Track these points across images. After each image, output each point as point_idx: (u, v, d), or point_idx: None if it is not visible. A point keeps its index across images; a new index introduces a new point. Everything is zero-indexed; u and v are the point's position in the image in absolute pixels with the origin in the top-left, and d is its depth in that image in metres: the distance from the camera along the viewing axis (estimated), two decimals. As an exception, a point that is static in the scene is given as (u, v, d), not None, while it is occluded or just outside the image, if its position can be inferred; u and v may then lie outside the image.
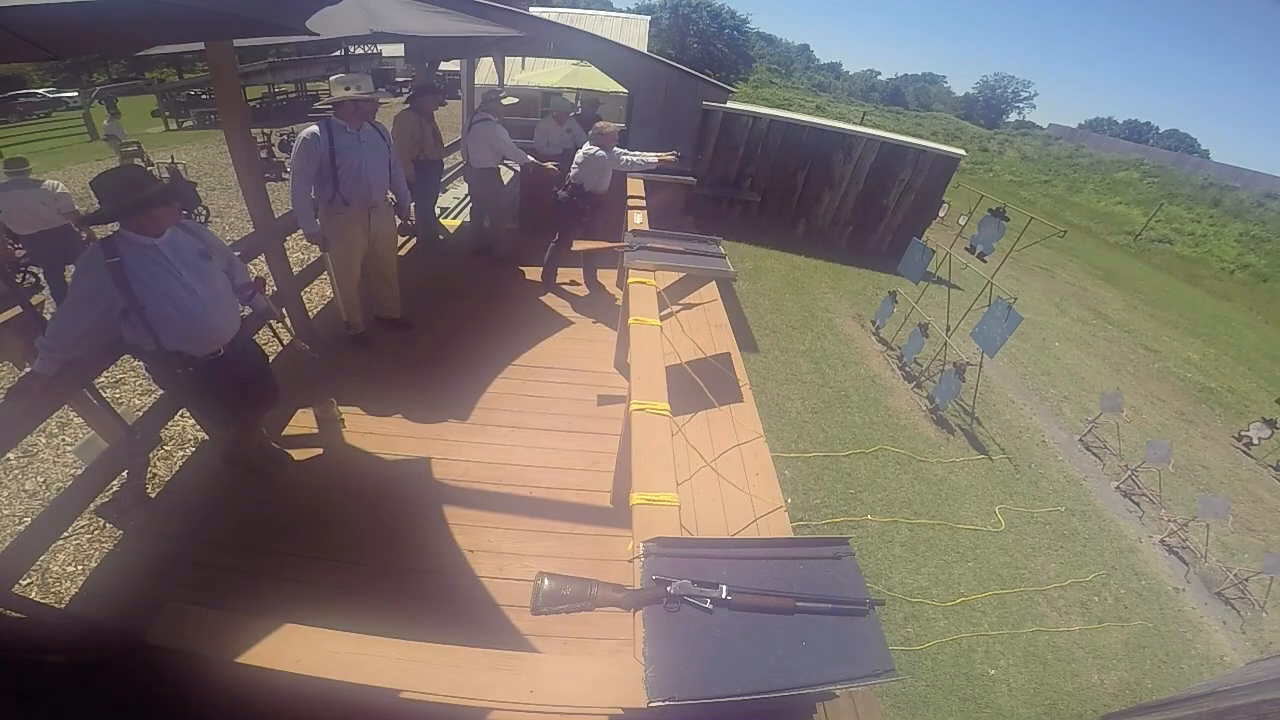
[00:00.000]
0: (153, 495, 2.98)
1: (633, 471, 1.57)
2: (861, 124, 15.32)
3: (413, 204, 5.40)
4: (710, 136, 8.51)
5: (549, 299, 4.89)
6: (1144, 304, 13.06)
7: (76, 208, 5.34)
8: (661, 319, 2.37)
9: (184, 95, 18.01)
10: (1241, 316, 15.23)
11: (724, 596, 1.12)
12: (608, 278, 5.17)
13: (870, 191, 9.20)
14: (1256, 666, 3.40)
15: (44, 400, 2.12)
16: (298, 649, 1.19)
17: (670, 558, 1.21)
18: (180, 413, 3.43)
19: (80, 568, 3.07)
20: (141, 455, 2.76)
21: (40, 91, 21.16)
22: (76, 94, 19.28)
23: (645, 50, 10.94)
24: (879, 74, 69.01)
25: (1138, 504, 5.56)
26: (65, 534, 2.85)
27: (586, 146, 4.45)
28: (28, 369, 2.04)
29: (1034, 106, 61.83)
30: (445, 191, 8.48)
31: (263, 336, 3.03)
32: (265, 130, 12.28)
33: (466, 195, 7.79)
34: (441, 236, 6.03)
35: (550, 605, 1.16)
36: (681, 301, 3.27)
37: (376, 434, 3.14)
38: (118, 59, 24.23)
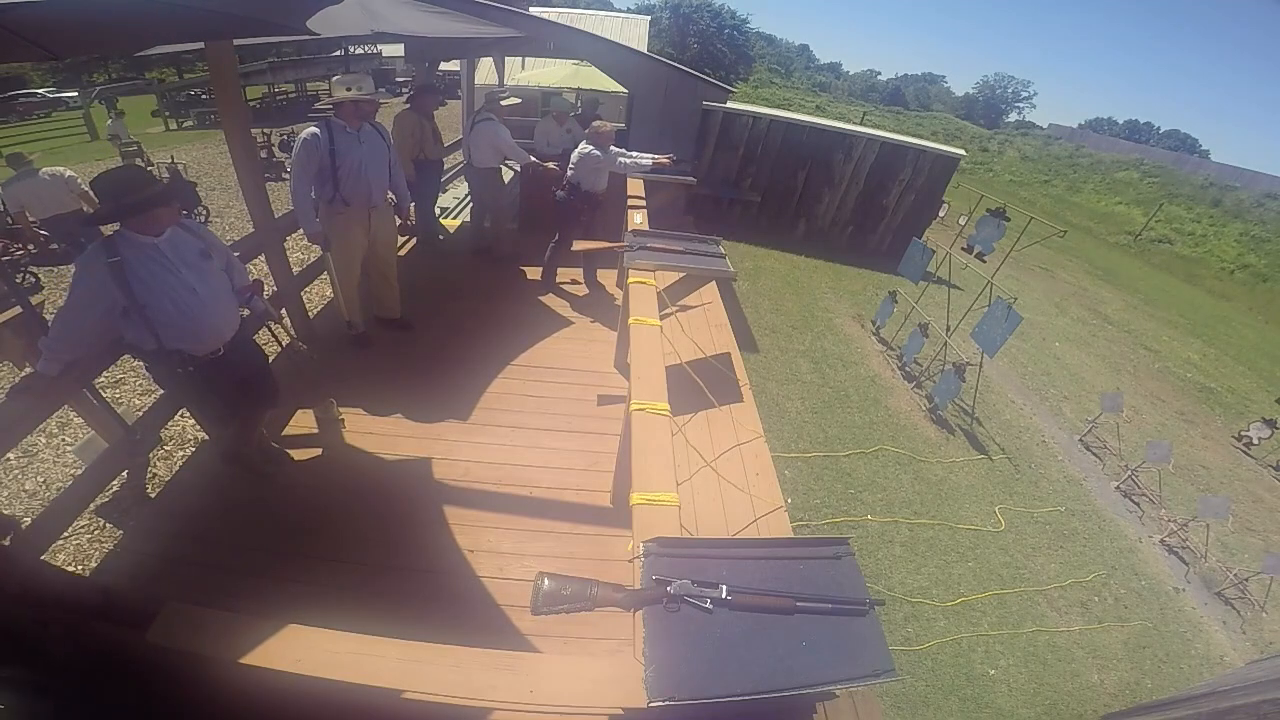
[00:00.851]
0: (153, 495, 2.98)
1: (633, 471, 1.57)
2: (861, 124, 15.32)
3: (413, 204, 5.41)
4: (710, 136, 8.51)
5: (549, 299, 4.89)
6: (1144, 304, 13.06)
7: (85, 188, 5.88)
8: (661, 319, 2.37)
9: (184, 95, 18.01)
10: (1241, 316, 15.23)
11: (724, 596, 1.13)
12: (608, 278, 5.17)
13: (870, 191, 9.20)
14: (1256, 666, 3.40)
15: (45, 400, 2.12)
16: (298, 649, 1.19)
17: (670, 558, 1.21)
18: (180, 413, 3.43)
19: (80, 568, 3.06)
20: (141, 455, 2.76)
21: (40, 91, 21.14)
22: (76, 94, 19.28)
23: (645, 50, 10.94)
24: (879, 74, 69.09)
25: (1138, 504, 5.56)
26: (65, 534, 2.85)
27: (582, 145, 4.46)
28: (28, 369, 2.04)
29: (1034, 106, 61.92)
30: (445, 191, 8.48)
31: (262, 337, 3.03)
32: (265, 130, 12.28)
33: (466, 195, 7.79)
34: (441, 236, 6.03)
35: (550, 605, 1.16)
36: (680, 302, 3.27)
37: (376, 434, 3.14)
38: (118, 59, 24.24)
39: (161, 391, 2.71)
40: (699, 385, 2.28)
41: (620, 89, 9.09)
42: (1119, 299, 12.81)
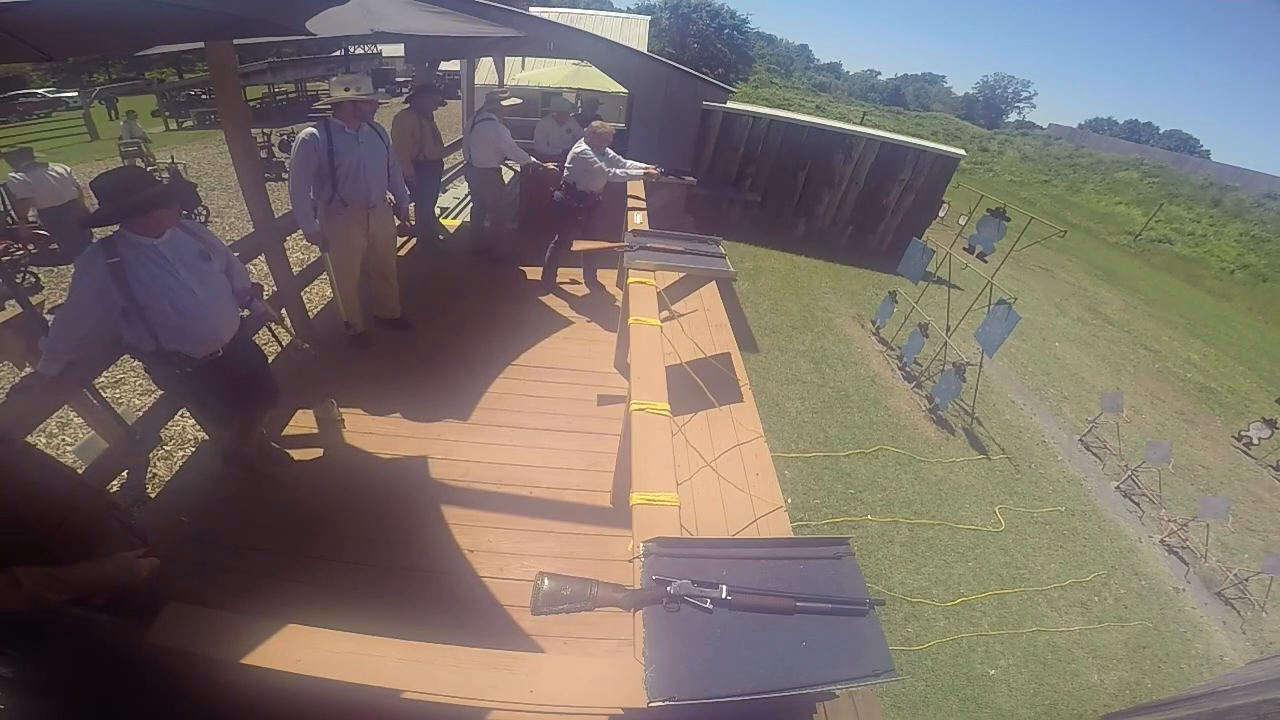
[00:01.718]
0: (153, 495, 2.98)
1: (633, 471, 1.57)
2: (861, 124, 15.32)
3: (412, 204, 5.41)
4: (710, 136, 8.51)
5: (549, 299, 4.89)
6: (1144, 304, 13.06)
7: (79, 183, 6.22)
8: (662, 320, 2.37)
9: (184, 95, 18.01)
10: (1241, 316, 15.23)
11: (724, 596, 1.13)
12: (608, 278, 5.17)
13: (870, 191, 9.20)
14: (1256, 666, 3.39)
15: (45, 400, 2.12)
16: (298, 649, 1.19)
17: (670, 558, 1.21)
18: (180, 413, 3.43)
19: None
20: (141, 455, 2.76)
21: (40, 91, 21.12)
22: (76, 94, 19.25)
23: (645, 50, 10.94)
24: (879, 74, 69.09)
25: (1138, 504, 5.56)
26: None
27: (578, 144, 4.45)
28: (28, 369, 2.04)
29: (1034, 106, 61.89)
30: (445, 191, 8.48)
31: (262, 337, 3.03)
32: (265, 130, 12.27)
33: (466, 195, 7.79)
34: (441, 236, 6.04)
35: (550, 605, 1.16)
36: (677, 304, 3.27)
37: (376, 434, 3.14)
38: (118, 59, 24.24)
39: (161, 392, 2.71)
40: (699, 385, 2.28)
41: (620, 89, 9.10)
42: (1119, 299, 12.81)
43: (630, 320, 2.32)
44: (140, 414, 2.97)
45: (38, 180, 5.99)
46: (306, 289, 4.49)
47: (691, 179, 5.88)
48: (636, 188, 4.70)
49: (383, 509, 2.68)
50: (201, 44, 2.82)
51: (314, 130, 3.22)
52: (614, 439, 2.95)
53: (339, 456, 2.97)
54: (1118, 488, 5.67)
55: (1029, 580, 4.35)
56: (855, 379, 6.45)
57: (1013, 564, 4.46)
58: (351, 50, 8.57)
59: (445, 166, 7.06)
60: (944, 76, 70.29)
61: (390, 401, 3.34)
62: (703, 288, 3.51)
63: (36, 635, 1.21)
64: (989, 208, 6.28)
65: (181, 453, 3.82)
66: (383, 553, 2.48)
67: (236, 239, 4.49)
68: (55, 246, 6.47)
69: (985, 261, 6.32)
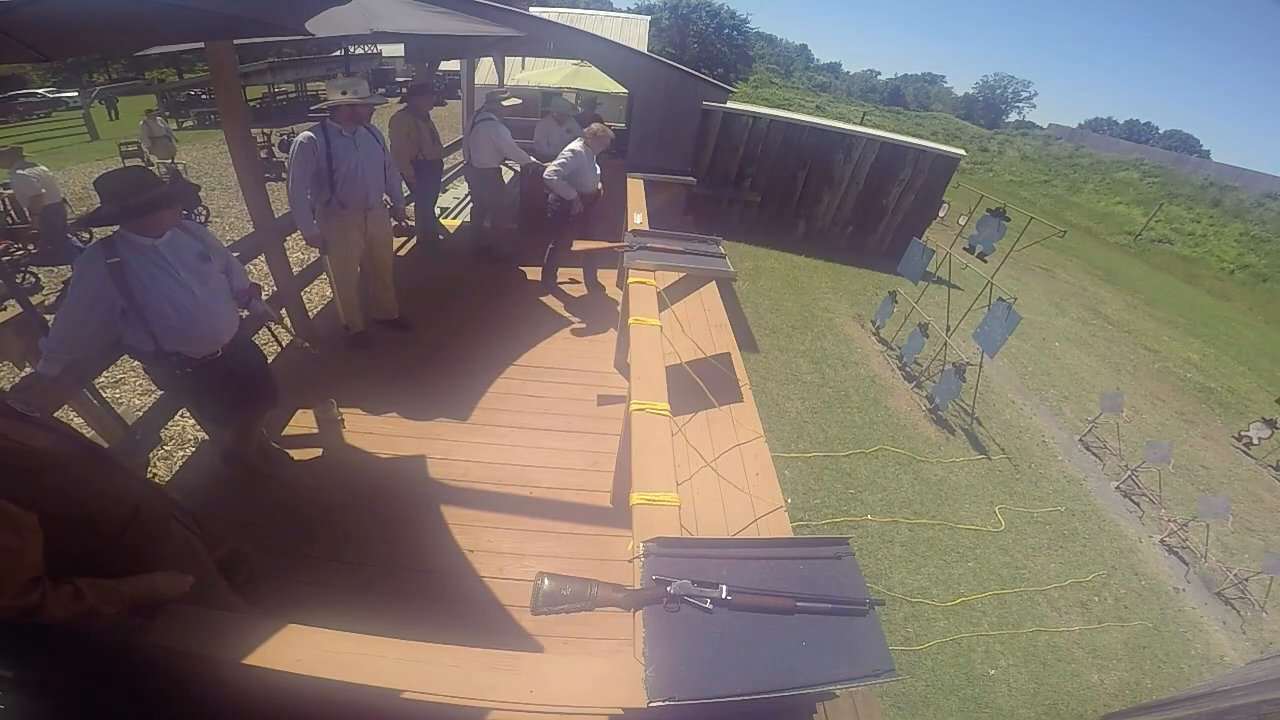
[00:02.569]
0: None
1: (633, 471, 1.57)
2: (861, 124, 15.32)
3: (412, 204, 5.42)
4: (710, 136, 8.51)
5: (549, 299, 4.89)
6: (1144, 304, 13.06)
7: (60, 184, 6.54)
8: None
9: (184, 95, 18.02)
10: (1241, 316, 15.23)
11: (724, 596, 1.13)
12: (608, 278, 5.17)
13: (870, 191, 9.20)
14: (1256, 666, 3.39)
15: (45, 400, 2.12)
16: (298, 649, 1.19)
17: (670, 558, 1.21)
18: (180, 413, 3.43)
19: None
20: (141, 455, 2.76)
21: (40, 91, 21.13)
22: (76, 94, 19.27)
23: (645, 50, 10.93)
24: (879, 74, 69.10)
25: (1138, 504, 5.56)
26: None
27: (574, 143, 4.42)
28: (27, 369, 2.04)
29: (1034, 106, 61.91)
30: (445, 191, 8.48)
31: (262, 337, 3.03)
32: (265, 130, 12.27)
33: (466, 195, 7.79)
34: (441, 236, 6.04)
35: (550, 605, 1.16)
36: (677, 304, 3.27)
37: (376, 434, 3.14)
38: (118, 59, 24.24)
39: (161, 392, 2.71)
40: (699, 385, 2.28)
41: (620, 89, 9.09)
42: (1119, 299, 12.81)
43: (630, 320, 2.32)
44: (140, 414, 2.97)
45: (22, 181, 6.08)
46: (306, 289, 4.49)
47: (692, 179, 5.87)
48: (636, 187, 4.70)
49: (383, 509, 2.68)
50: (201, 44, 2.82)
51: (311, 133, 3.25)
52: (614, 439, 2.95)
53: (339, 456, 2.97)
54: (1118, 488, 5.67)
55: (1029, 580, 4.35)
56: (855, 379, 6.45)
57: (1013, 564, 4.46)
58: (351, 50, 8.56)
59: (445, 167, 7.06)
60: (944, 76, 70.39)
61: (390, 401, 3.34)
62: (703, 288, 3.51)
63: (36, 635, 1.21)
64: (989, 208, 6.28)
65: (181, 453, 3.82)
66: (383, 553, 2.48)
67: (236, 239, 4.49)
68: (49, 246, 6.51)
69: (985, 261, 6.31)
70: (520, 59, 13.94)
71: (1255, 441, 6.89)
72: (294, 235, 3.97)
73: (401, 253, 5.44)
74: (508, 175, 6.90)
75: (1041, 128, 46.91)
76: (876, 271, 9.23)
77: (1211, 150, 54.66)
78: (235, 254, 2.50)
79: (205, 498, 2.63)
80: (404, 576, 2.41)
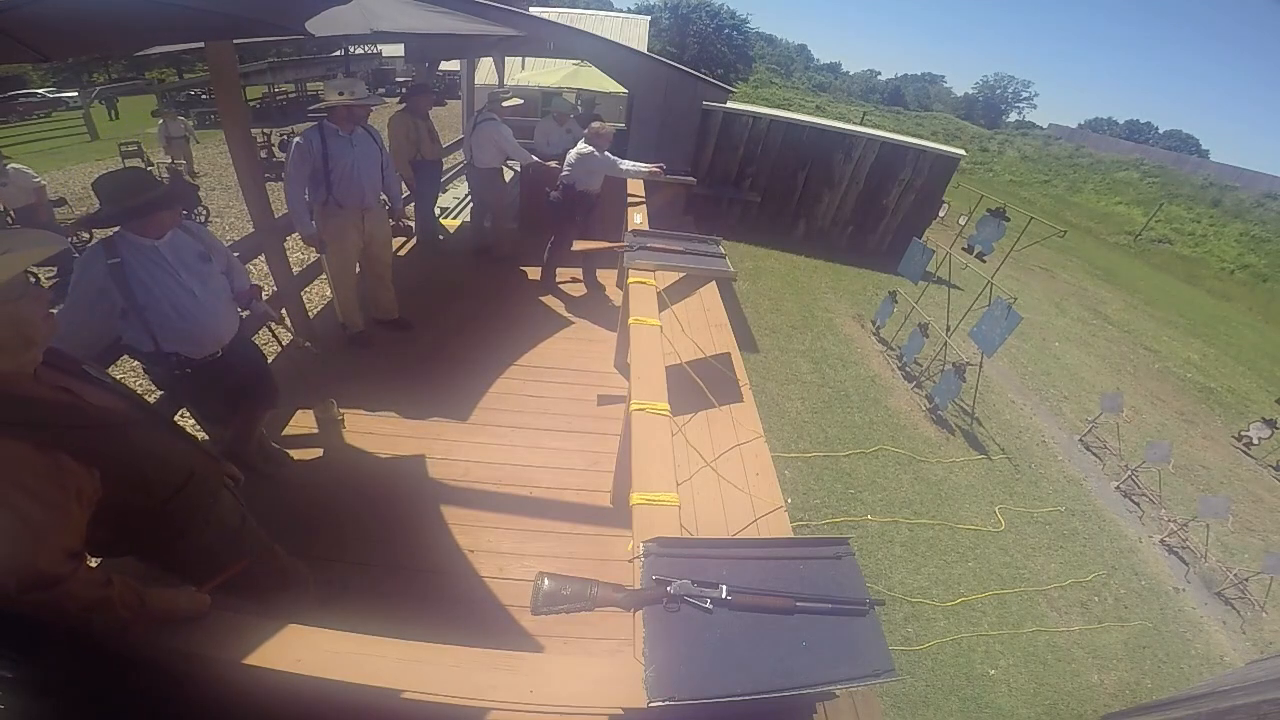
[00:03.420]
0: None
1: (633, 471, 1.57)
2: (861, 124, 15.32)
3: (411, 204, 5.42)
4: (710, 136, 8.51)
5: (549, 299, 4.89)
6: (1144, 304, 13.06)
7: (41, 184, 6.43)
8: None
9: (184, 95, 18.02)
10: (1241, 316, 15.23)
11: (724, 596, 1.13)
12: (608, 278, 5.17)
13: (870, 191, 9.20)
14: (1256, 666, 3.39)
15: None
16: (298, 649, 1.19)
17: (670, 558, 1.21)
18: (180, 413, 3.43)
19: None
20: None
21: (40, 91, 21.12)
22: (76, 94, 19.27)
23: (645, 50, 10.93)
24: (879, 74, 69.15)
25: (1138, 504, 5.56)
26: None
27: (580, 145, 4.45)
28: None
29: (1034, 106, 61.97)
30: (445, 191, 8.48)
31: (262, 337, 3.03)
32: (265, 130, 12.27)
33: (466, 195, 7.79)
34: (441, 236, 6.04)
35: (550, 605, 1.16)
36: (677, 304, 3.27)
37: (376, 434, 3.14)
38: (118, 59, 24.23)
39: (161, 392, 2.71)
40: (699, 385, 2.28)
41: (620, 89, 9.10)
42: (1119, 299, 12.81)
43: (630, 320, 2.32)
44: (140, 414, 2.97)
45: (10, 182, 6.08)
46: (306, 289, 4.49)
47: (692, 179, 5.87)
48: (636, 187, 4.70)
49: (383, 509, 2.68)
50: (201, 44, 2.82)
51: (308, 134, 3.26)
52: (614, 439, 2.95)
53: (339, 456, 2.97)
54: (1118, 488, 5.67)
55: (1029, 580, 4.35)
56: (855, 379, 6.45)
57: (1013, 564, 4.46)
58: (351, 50, 8.57)
59: (445, 167, 7.06)
60: (944, 76, 70.43)
61: (390, 401, 3.34)
62: (703, 288, 3.51)
63: (36, 635, 1.21)
64: (989, 208, 6.28)
65: (181, 453, 3.81)
66: (383, 552, 2.48)
67: (236, 239, 4.49)
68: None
69: (985, 261, 6.31)
70: (520, 59, 13.95)
71: (1255, 441, 6.89)
72: (294, 235, 3.97)
73: (401, 253, 5.44)
74: (507, 175, 6.91)
75: (1041, 128, 46.95)
76: (876, 271, 9.23)
77: (1211, 150, 54.82)
78: (235, 254, 2.50)
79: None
80: (404, 576, 2.41)
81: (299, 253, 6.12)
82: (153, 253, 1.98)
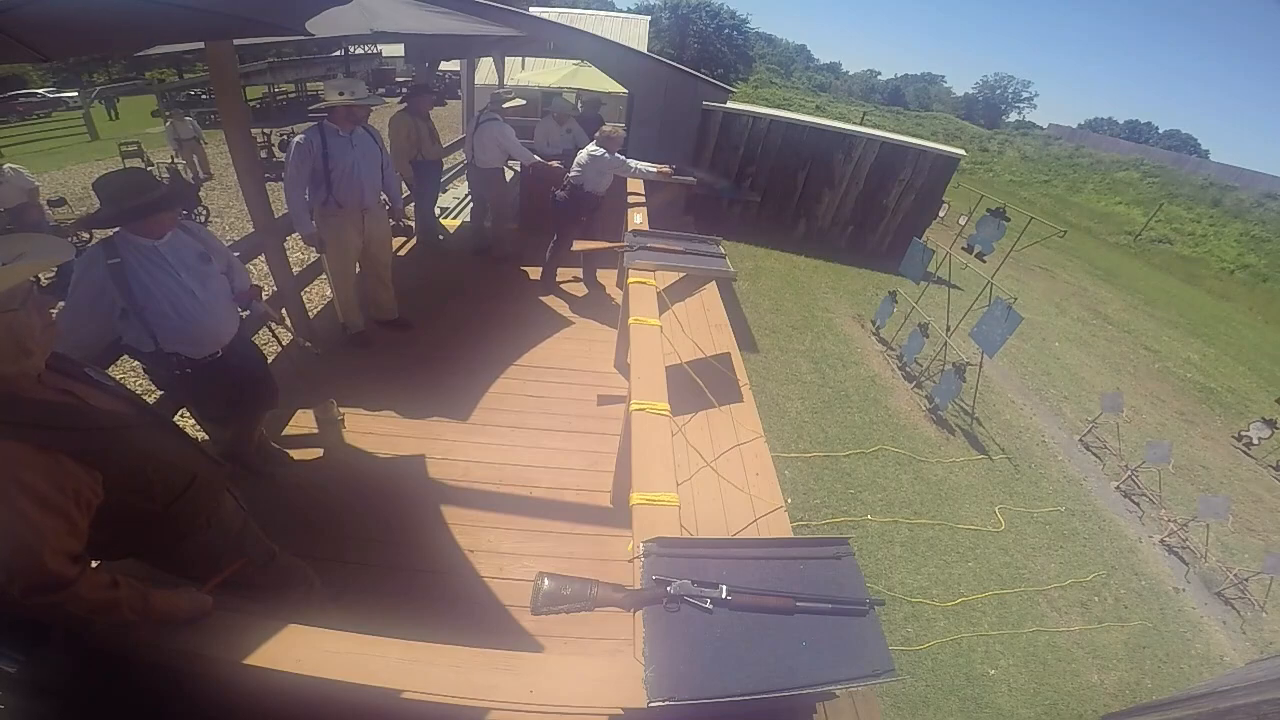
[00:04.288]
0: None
1: (633, 471, 1.57)
2: (861, 124, 15.31)
3: (412, 204, 5.42)
4: (710, 136, 8.51)
5: (549, 299, 4.89)
6: (1144, 304, 13.06)
7: (35, 185, 6.55)
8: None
9: (184, 95, 18.00)
10: (1241, 316, 15.23)
11: (724, 596, 1.13)
12: (608, 278, 5.17)
13: (870, 191, 9.20)
14: (1256, 666, 3.40)
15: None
16: (299, 649, 1.19)
17: (670, 558, 1.21)
18: (180, 413, 3.43)
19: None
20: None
21: (40, 91, 21.12)
22: (76, 94, 19.26)
23: (645, 50, 10.93)
24: (879, 74, 69.12)
25: (1138, 504, 5.56)
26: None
27: (591, 147, 4.46)
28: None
29: (1034, 106, 61.97)
30: (445, 191, 8.48)
31: (262, 337, 3.02)
32: (265, 130, 12.27)
33: (466, 195, 7.79)
34: (441, 236, 6.04)
35: (550, 605, 1.16)
36: (677, 304, 3.27)
37: (376, 434, 3.14)
38: (118, 59, 24.23)
39: (161, 392, 2.71)
40: (699, 385, 2.28)
41: (620, 89, 9.09)
42: (1119, 299, 12.81)
43: (630, 320, 2.31)
44: (140, 414, 2.96)
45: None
46: (306, 289, 4.49)
47: (691, 179, 5.87)
48: (637, 186, 4.70)
49: (382, 509, 2.68)
50: (201, 44, 2.82)
51: (308, 134, 3.26)
52: (614, 439, 2.95)
53: (339, 456, 2.97)
54: (1118, 488, 5.67)
55: (1029, 580, 4.35)
56: (855, 379, 6.45)
57: (1013, 564, 4.46)
58: (351, 50, 8.57)
59: (445, 166, 7.06)
60: (944, 76, 70.49)
61: (390, 401, 3.34)
62: (703, 288, 3.51)
63: (36, 635, 1.21)
64: (989, 208, 6.28)
65: (181, 453, 3.81)
66: (383, 552, 2.48)
67: (236, 239, 4.49)
68: None
69: (985, 261, 6.31)
70: (520, 59, 13.95)
71: (1255, 441, 6.89)
72: (294, 235, 3.97)
73: (401, 253, 5.44)
74: (508, 174, 6.91)
75: (1041, 128, 46.95)
76: (876, 271, 9.23)
77: (1211, 150, 54.79)
78: (235, 254, 2.50)
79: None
80: (404, 576, 2.41)
81: (299, 253, 6.12)
82: (153, 253, 1.98)
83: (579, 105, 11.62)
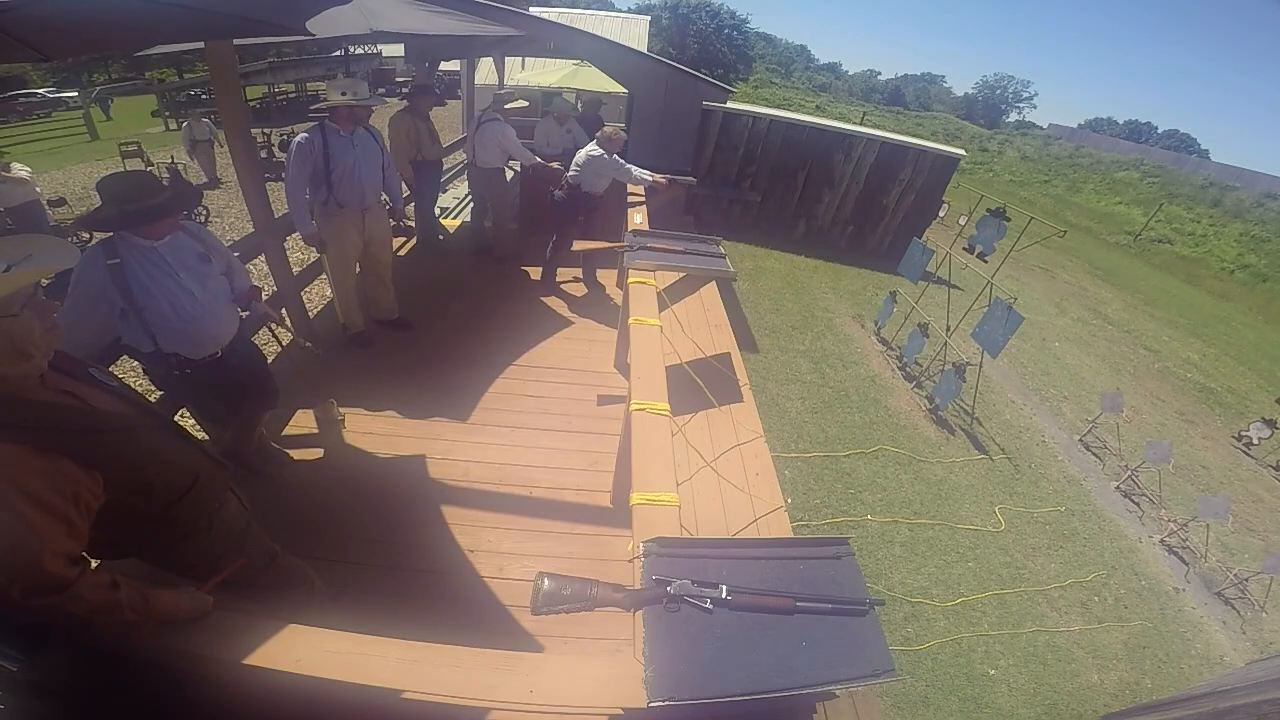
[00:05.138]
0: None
1: (633, 471, 1.57)
2: (861, 124, 15.31)
3: (412, 204, 5.42)
4: (710, 136, 8.51)
5: (549, 299, 4.89)
6: (1144, 304, 13.06)
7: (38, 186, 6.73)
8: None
9: (184, 95, 18.00)
10: (1241, 316, 15.23)
11: (724, 596, 1.13)
12: (608, 278, 5.17)
13: (870, 191, 9.20)
14: (1256, 666, 3.40)
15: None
16: (299, 649, 1.19)
17: (670, 558, 1.21)
18: (180, 413, 3.43)
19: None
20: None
21: (40, 91, 21.13)
22: (76, 94, 19.27)
23: (645, 50, 10.93)
24: (879, 74, 69.05)
25: (1138, 504, 5.56)
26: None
27: (590, 148, 4.45)
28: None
29: (1034, 106, 61.99)
30: (445, 191, 8.48)
31: (262, 338, 3.02)
32: (265, 130, 12.28)
33: (466, 195, 7.79)
34: (441, 236, 6.04)
35: (550, 605, 1.16)
36: (677, 304, 3.27)
37: (376, 434, 3.14)
38: (118, 59, 24.23)
39: (160, 392, 2.71)
40: (699, 385, 2.28)
41: (620, 89, 9.08)
42: (1119, 299, 12.81)
43: (630, 320, 2.32)
44: (140, 414, 2.96)
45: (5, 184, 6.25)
46: (306, 289, 4.49)
47: (692, 179, 5.87)
48: (636, 187, 4.70)
49: (382, 509, 2.68)
50: (201, 44, 2.82)
51: (309, 134, 3.26)
52: (614, 439, 2.95)
53: (339, 457, 2.96)
54: (1118, 488, 5.67)
55: (1029, 580, 4.35)
56: (855, 379, 6.45)
57: (1013, 564, 4.46)
58: (351, 50, 8.57)
59: (445, 166, 7.06)
60: (944, 76, 70.40)
61: (390, 401, 3.34)
62: (703, 288, 3.51)
63: (36, 635, 1.21)
64: (989, 208, 6.28)
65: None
66: (383, 552, 2.48)
67: (237, 239, 4.49)
68: None
69: (985, 261, 6.31)
70: (520, 59, 13.94)
71: (1255, 441, 6.89)
72: (294, 235, 3.97)
73: (401, 253, 5.44)
74: (508, 174, 6.91)
75: (1041, 128, 46.98)
76: (876, 271, 9.23)
77: (1211, 150, 54.75)
78: (235, 254, 2.50)
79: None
80: (404, 576, 2.40)
81: (299, 253, 6.12)
82: (152, 254, 1.98)
83: (579, 105, 11.62)
